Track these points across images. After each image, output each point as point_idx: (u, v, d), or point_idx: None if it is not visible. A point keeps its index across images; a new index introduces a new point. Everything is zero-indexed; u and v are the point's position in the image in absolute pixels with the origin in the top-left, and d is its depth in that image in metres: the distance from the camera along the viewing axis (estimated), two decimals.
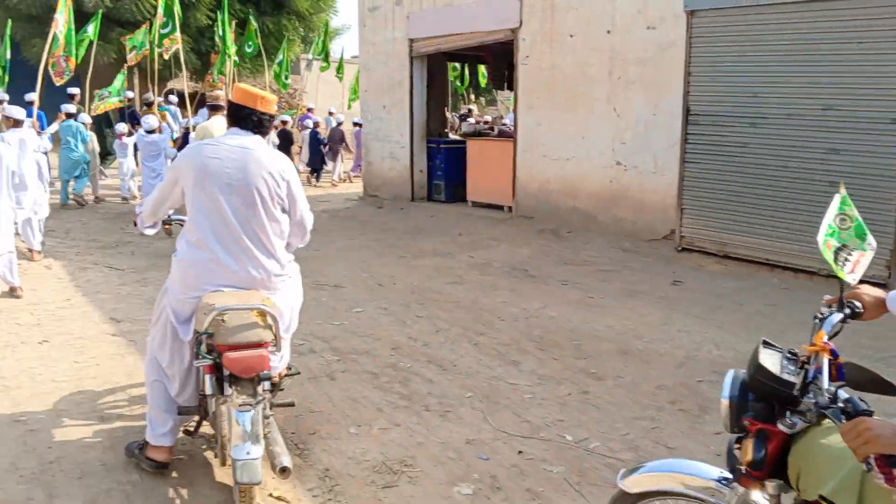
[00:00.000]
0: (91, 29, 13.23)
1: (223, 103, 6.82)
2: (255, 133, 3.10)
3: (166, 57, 13.97)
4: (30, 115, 10.72)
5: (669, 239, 8.31)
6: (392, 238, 9.55)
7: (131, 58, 14.04)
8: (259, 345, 2.78)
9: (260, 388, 2.78)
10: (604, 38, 8.72)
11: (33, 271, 7.06)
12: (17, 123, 7.20)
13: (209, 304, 2.85)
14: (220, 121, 6.63)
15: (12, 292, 6.13)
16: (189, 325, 3.02)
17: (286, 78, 18.17)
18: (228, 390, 2.78)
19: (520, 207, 9.99)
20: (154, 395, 3.17)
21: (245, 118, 3.08)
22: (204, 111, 11.52)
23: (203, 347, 2.82)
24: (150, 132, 10.38)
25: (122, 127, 11.73)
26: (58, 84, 11.57)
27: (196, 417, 3.29)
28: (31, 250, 7.36)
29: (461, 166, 11.87)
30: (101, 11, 14.62)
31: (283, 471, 2.80)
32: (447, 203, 11.97)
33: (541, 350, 5.10)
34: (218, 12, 15.09)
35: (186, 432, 3.35)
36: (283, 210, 3.13)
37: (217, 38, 15.31)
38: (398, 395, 4.29)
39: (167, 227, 3.45)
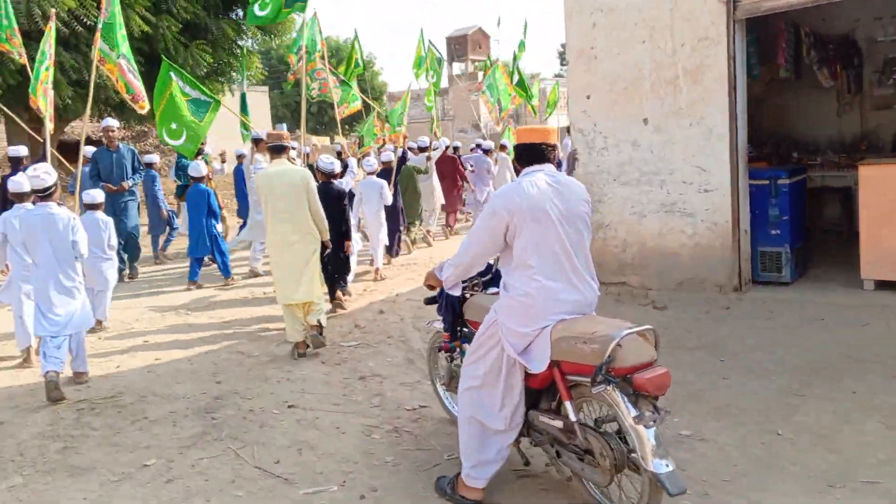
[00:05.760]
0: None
1: (288, 143, 5.97)
2: (548, 163, 3.20)
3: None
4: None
5: None
6: (881, 399, 4.03)
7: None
8: (652, 362, 2.82)
9: (659, 403, 2.82)
10: None
11: None
12: None
13: (586, 332, 2.88)
14: (281, 163, 5.80)
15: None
16: (530, 355, 3.05)
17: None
18: (633, 410, 2.76)
19: None
20: (472, 433, 3.24)
21: (539, 153, 3.20)
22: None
23: (602, 374, 2.79)
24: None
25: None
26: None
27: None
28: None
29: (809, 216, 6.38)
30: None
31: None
32: (796, 285, 6.43)
33: None
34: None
35: (526, 463, 3.50)
36: None
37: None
38: None
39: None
